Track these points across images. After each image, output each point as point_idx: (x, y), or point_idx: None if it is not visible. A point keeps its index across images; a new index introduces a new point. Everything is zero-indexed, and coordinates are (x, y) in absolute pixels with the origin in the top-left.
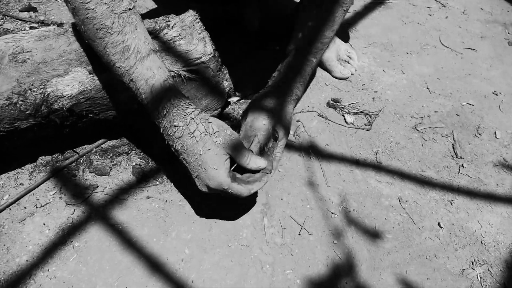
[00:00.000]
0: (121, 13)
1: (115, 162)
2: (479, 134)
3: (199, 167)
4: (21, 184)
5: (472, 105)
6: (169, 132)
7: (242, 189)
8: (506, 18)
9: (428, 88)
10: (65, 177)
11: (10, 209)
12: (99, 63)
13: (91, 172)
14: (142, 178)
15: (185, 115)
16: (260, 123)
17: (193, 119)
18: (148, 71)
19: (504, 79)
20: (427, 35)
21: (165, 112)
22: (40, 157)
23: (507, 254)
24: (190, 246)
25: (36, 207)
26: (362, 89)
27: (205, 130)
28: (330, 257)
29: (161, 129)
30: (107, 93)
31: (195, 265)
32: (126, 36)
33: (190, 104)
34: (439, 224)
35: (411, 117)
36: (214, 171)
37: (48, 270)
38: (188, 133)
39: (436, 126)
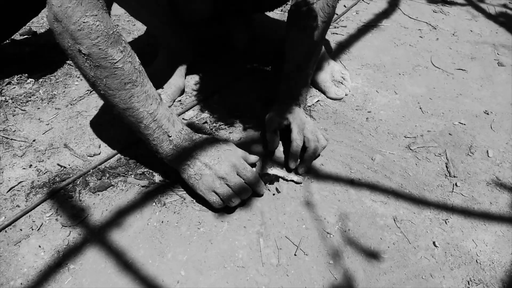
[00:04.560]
0: (138, 67)
1: (112, 183)
2: (472, 153)
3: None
4: (18, 206)
5: (464, 124)
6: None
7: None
8: (495, 39)
9: (420, 108)
10: (62, 198)
11: (5, 231)
12: None
13: (87, 194)
14: (138, 200)
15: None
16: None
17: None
18: (167, 111)
19: (495, 99)
20: (419, 56)
21: (185, 137)
22: (37, 179)
23: (502, 273)
24: (186, 268)
25: (32, 229)
26: (356, 109)
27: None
28: (326, 278)
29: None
30: None
31: (190, 287)
32: (146, 87)
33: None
34: (434, 243)
35: (405, 136)
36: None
37: None
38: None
39: (429, 146)
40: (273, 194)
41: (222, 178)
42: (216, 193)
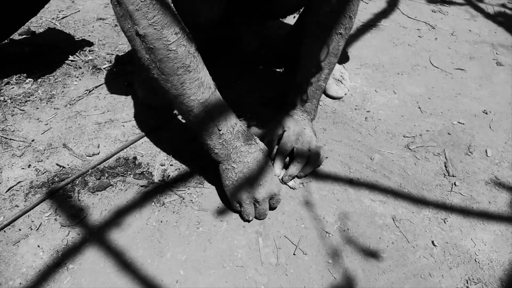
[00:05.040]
0: (194, 52)
1: (111, 183)
2: (471, 152)
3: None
4: (16, 205)
5: (463, 124)
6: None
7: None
8: (493, 39)
9: (419, 107)
10: (61, 198)
11: (4, 231)
12: None
13: (86, 193)
14: (137, 199)
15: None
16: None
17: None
18: (220, 103)
19: (494, 98)
20: (418, 56)
21: (238, 135)
22: (36, 178)
23: (501, 272)
24: (185, 267)
25: (31, 229)
26: (355, 109)
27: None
28: (325, 277)
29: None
30: None
31: (189, 286)
32: (200, 74)
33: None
34: (433, 242)
35: (403, 136)
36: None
37: None
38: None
39: (428, 145)
40: None
41: (255, 200)
42: (240, 205)
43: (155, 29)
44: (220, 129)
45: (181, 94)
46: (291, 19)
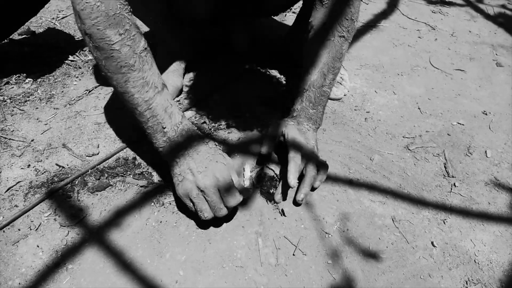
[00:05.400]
0: (140, 52)
1: (110, 183)
2: (470, 153)
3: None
4: (16, 205)
5: (463, 124)
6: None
7: None
8: (493, 40)
9: (419, 108)
10: (60, 198)
11: (4, 231)
12: None
13: (86, 193)
14: (137, 200)
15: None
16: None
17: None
18: (166, 102)
19: (493, 99)
20: (417, 57)
21: (182, 133)
22: (36, 178)
23: (501, 273)
24: (184, 268)
25: (30, 229)
26: (355, 109)
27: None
28: (325, 278)
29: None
30: None
31: (189, 287)
32: (146, 73)
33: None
34: (432, 243)
35: (403, 137)
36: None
37: None
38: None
39: (428, 146)
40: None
41: (200, 190)
42: (192, 202)
43: (98, 29)
44: (165, 127)
45: (126, 91)
46: (290, 19)
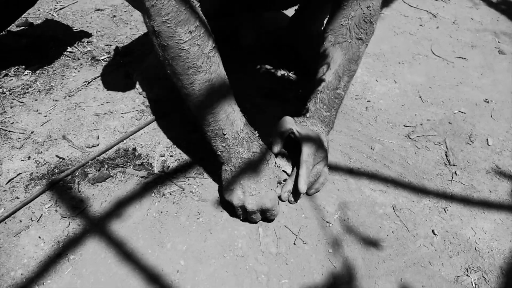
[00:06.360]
0: (209, 52)
1: (111, 174)
2: (472, 141)
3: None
4: (17, 197)
5: (464, 113)
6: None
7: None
8: (496, 27)
9: (420, 97)
10: (61, 190)
11: (5, 223)
12: None
13: (86, 185)
14: (138, 190)
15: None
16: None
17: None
18: (229, 107)
19: (495, 87)
20: (419, 45)
21: (243, 142)
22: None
23: (501, 260)
24: (185, 257)
25: (32, 221)
26: (355, 98)
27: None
28: (325, 266)
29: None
30: None
31: (190, 276)
32: (212, 75)
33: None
34: (433, 231)
35: (404, 125)
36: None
37: (43, 283)
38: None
39: (429, 134)
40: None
41: (245, 209)
42: (233, 206)
43: (168, 27)
44: (225, 133)
45: (190, 93)
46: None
